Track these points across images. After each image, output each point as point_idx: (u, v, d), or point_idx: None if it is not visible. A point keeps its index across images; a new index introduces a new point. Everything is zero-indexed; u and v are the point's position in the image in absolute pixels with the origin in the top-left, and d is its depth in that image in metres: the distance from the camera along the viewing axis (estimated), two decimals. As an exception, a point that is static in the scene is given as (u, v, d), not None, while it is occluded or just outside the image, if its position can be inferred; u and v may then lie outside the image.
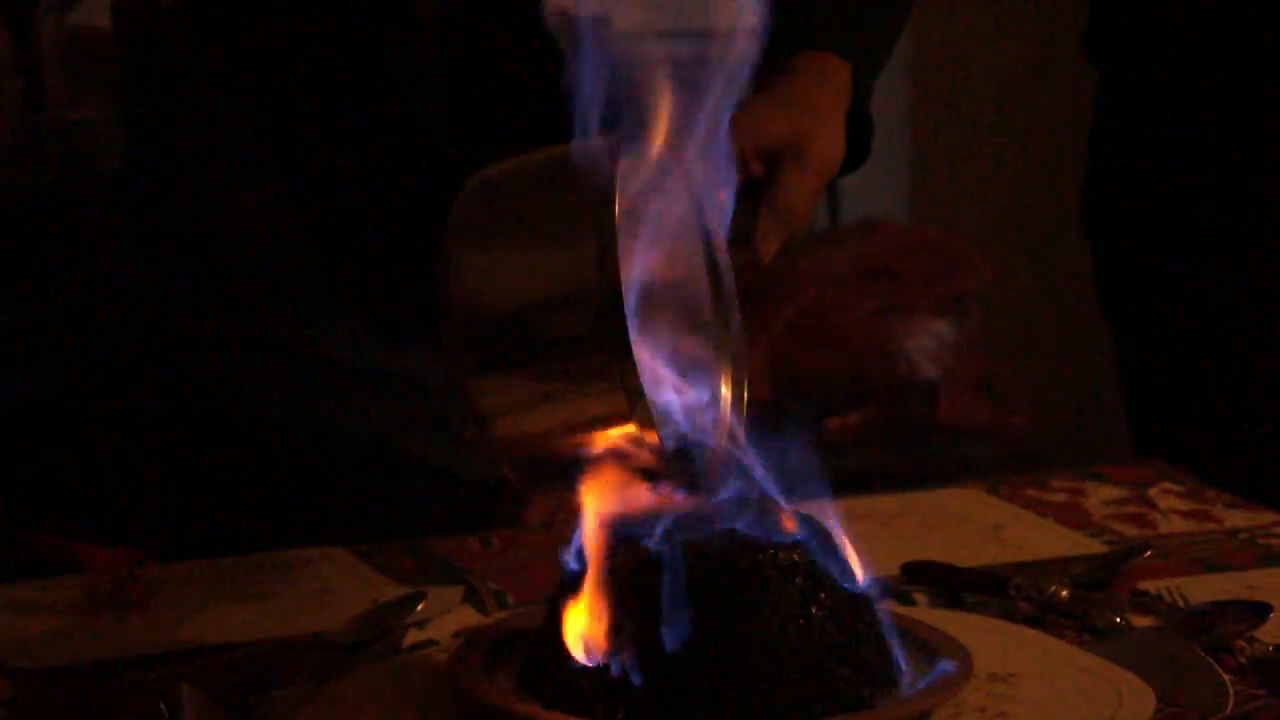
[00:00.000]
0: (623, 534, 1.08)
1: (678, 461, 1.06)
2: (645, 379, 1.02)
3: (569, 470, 1.06)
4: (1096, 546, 1.39)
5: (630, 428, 1.02)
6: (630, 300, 1.02)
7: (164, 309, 1.69)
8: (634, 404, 1.01)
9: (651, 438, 1.03)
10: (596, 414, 1.03)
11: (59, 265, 1.76)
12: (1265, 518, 1.45)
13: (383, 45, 1.71)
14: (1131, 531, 1.43)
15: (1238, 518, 1.46)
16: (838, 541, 1.10)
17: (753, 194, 1.26)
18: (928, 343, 2.68)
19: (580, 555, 1.08)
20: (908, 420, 2.68)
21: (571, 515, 1.10)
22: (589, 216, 1.02)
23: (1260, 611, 1.19)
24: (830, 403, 2.58)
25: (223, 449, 1.67)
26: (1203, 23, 1.91)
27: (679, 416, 1.08)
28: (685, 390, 1.09)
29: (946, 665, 1.09)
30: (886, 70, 1.44)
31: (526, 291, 1.05)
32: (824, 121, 1.31)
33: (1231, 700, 1.08)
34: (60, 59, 2.63)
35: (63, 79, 2.63)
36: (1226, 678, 1.10)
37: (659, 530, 1.07)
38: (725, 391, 1.12)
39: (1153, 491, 1.52)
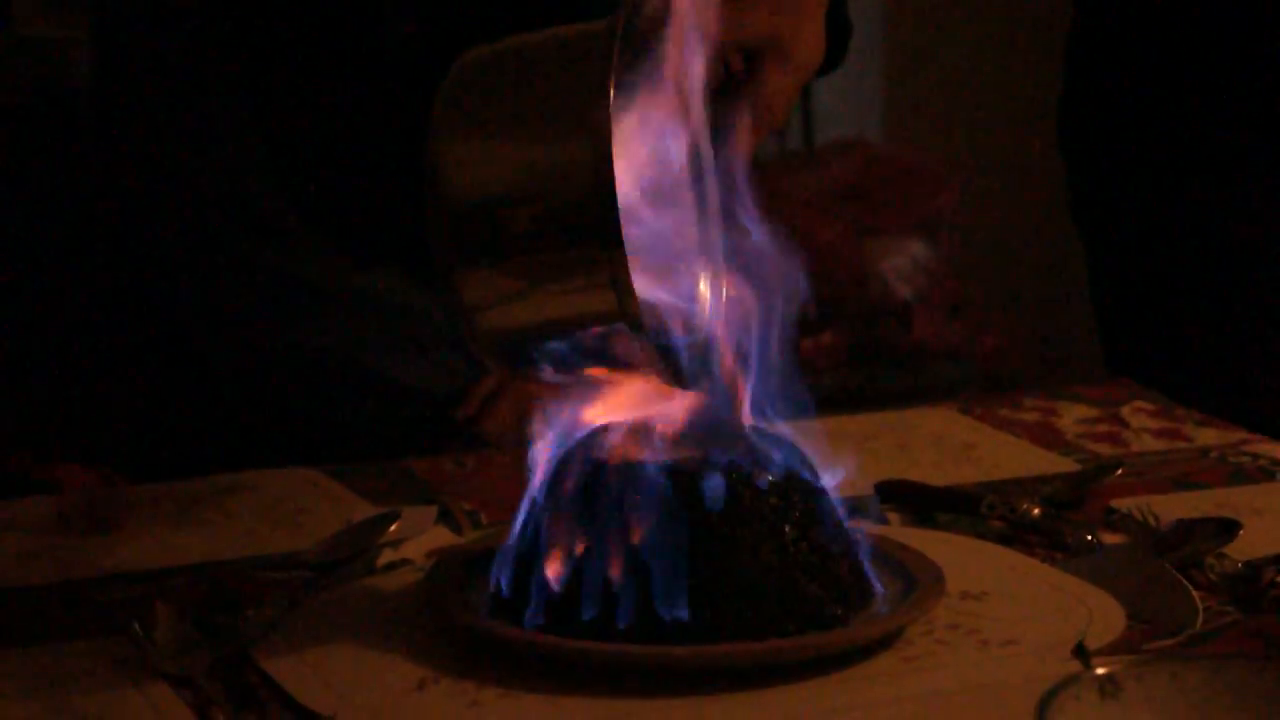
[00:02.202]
0: (595, 451, 1.08)
1: (665, 357, 1.05)
2: (633, 275, 1.00)
3: (553, 365, 1.06)
4: (1068, 465, 1.40)
5: (616, 324, 1.01)
6: (621, 195, 1.00)
7: (134, 230, 1.68)
8: (623, 299, 1.00)
9: (638, 334, 1.01)
10: (582, 308, 1.02)
11: (27, 183, 1.76)
12: (1235, 435, 1.46)
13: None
14: (1103, 450, 1.44)
15: (1208, 436, 1.46)
16: (811, 461, 1.10)
17: (731, 90, 1.24)
18: (901, 264, 2.68)
19: (552, 473, 1.08)
20: (881, 341, 2.69)
21: (532, 427, 1.10)
22: (580, 104, 1.00)
23: (1230, 529, 1.19)
24: (805, 323, 2.58)
25: (195, 369, 1.67)
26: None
27: (666, 312, 1.07)
28: (671, 287, 1.08)
29: (919, 583, 1.10)
30: (863, 3, 1.44)
31: (512, 180, 1.02)
32: (806, 18, 1.30)
33: (1201, 616, 1.09)
34: (28, -24, 2.60)
35: (31, -4, 2.60)
36: (1196, 594, 1.11)
37: (633, 448, 1.07)
38: (705, 289, 1.11)
39: (1124, 410, 1.53)
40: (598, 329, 1.02)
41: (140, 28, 1.71)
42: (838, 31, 1.37)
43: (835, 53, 1.37)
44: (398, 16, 1.63)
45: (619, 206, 0.99)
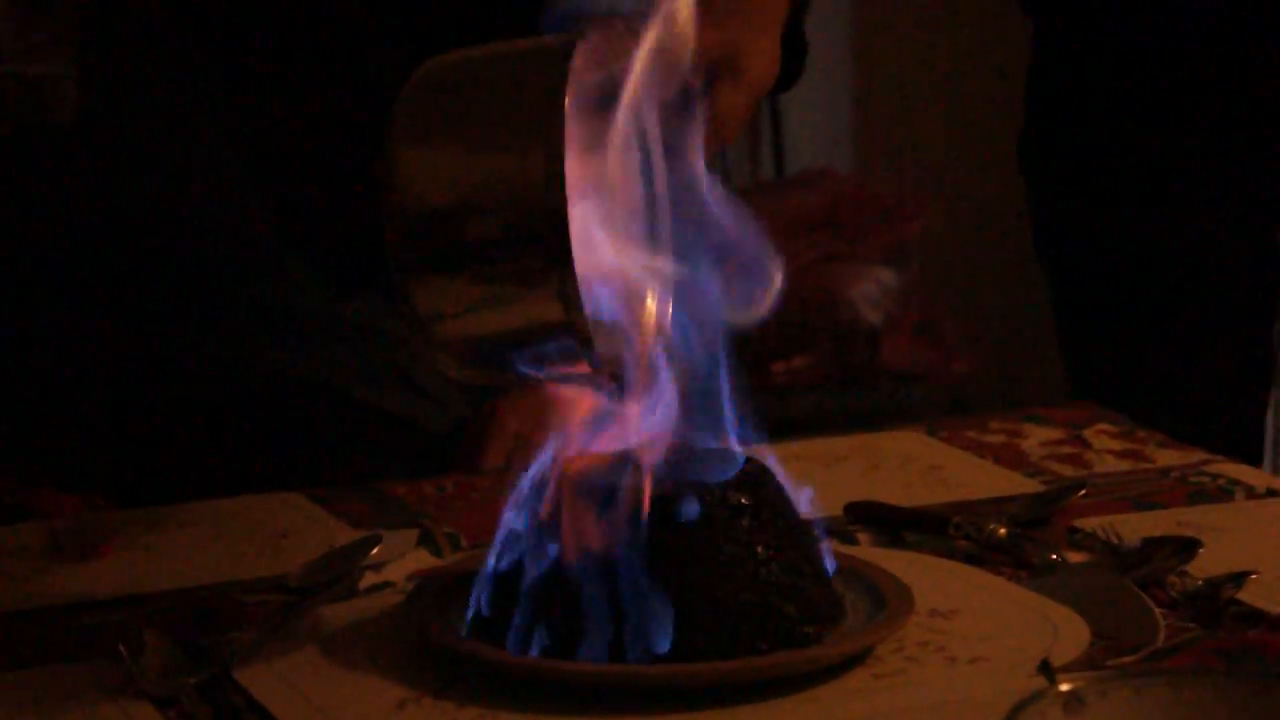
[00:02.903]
0: (572, 475, 1.08)
1: (609, 368, 1.04)
2: (582, 288, 1.00)
3: (508, 377, 1.05)
4: (1033, 486, 1.40)
5: (565, 337, 1.01)
6: (573, 208, 1.00)
7: (120, 262, 1.68)
8: (570, 312, 1.00)
9: (586, 347, 1.01)
10: (531, 319, 1.01)
11: (15, 217, 1.75)
12: (1195, 457, 1.46)
13: (335, 10, 1.70)
14: (1067, 471, 1.44)
15: (1169, 457, 1.46)
16: (783, 483, 1.10)
17: (684, 106, 1.24)
18: (870, 289, 2.68)
19: (529, 497, 1.08)
20: (851, 364, 2.69)
21: (526, 460, 1.10)
22: (535, 117, 1.00)
23: (1190, 547, 1.19)
24: (776, 348, 2.59)
25: (182, 396, 1.67)
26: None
27: (614, 328, 1.06)
28: (619, 302, 1.08)
29: (889, 602, 1.10)
30: (830, 30, 1.44)
31: (466, 190, 1.01)
32: (760, 35, 1.30)
33: (1163, 633, 1.09)
34: (15, 13, 2.60)
35: (17, 33, 2.60)
36: (1158, 611, 1.11)
37: (611, 472, 1.07)
38: (652, 305, 1.10)
39: (1087, 432, 1.53)
40: (546, 338, 1.02)
41: (126, 65, 1.71)
42: (795, 50, 1.36)
43: (792, 71, 1.37)
44: (380, 61, 1.63)
45: (569, 220, 0.99)
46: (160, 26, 1.69)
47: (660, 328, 1.09)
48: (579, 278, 0.99)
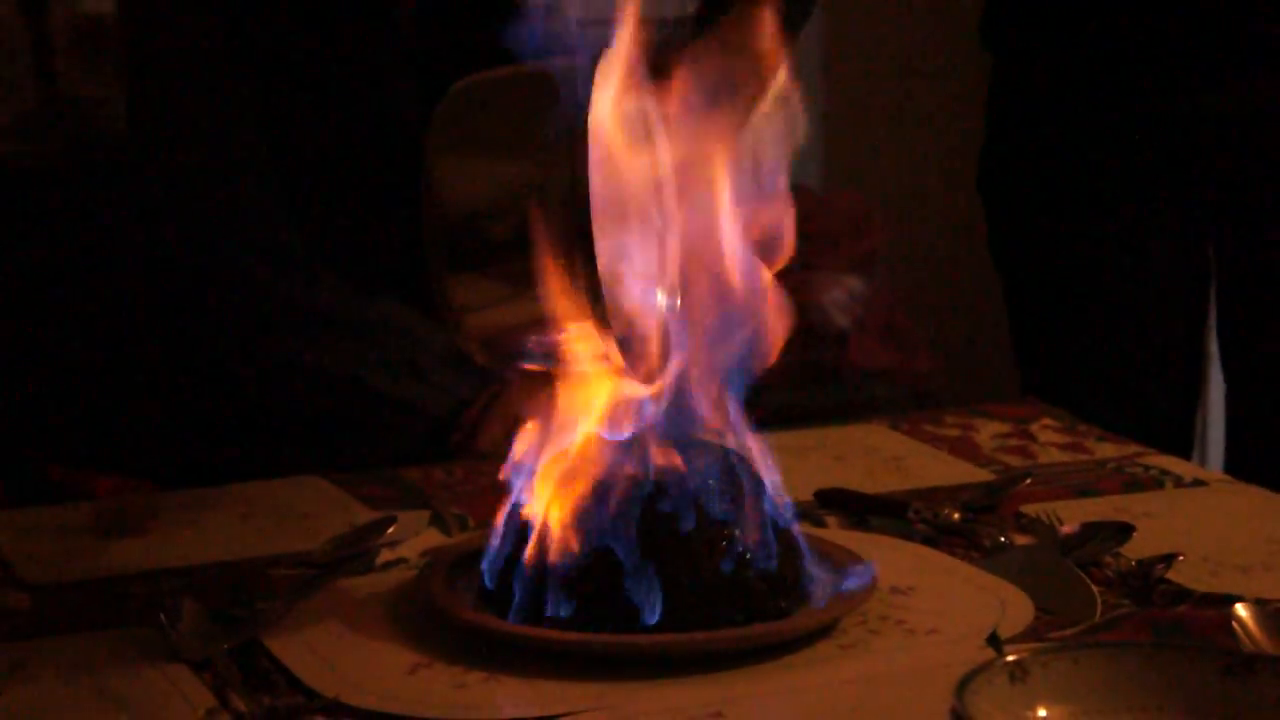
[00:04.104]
0: (570, 461, 1.08)
1: (630, 358, 1.05)
2: (603, 281, 1.00)
3: (535, 362, 1.05)
4: (984, 475, 1.40)
5: (588, 325, 1.01)
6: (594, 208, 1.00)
7: (164, 265, 1.68)
8: (593, 302, 1.00)
9: (607, 335, 1.01)
10: (557, 309, 1.01)
11: (68, 223, 1.75)
12: (1130, 449, 1.46)
13: (365, 33, 1.70)
14: (1015, 462, 1.44)
15: (1107, 449, 1.47)
16: (758, 470, 1.10)
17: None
18: (839, 296, 2.68)
19: (530, 482, 1.08)
20: (821, 364, 2.68)
21: (520, 443, 1.10)
22: (557, 129, 1.00)
23: (1125, 531, 1.20)
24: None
25: (217, 388, 1.67)
26: (1082, 18, 1.92)
27: (632, 316, 1.06)
28: (637, 292, 1.07)
29: (853, 579, 1.10)
30: (802, 62, 1.43)
31: (496, 194, 1.03)
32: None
33: (1099, 609, 1.09)
34: (70, 41, 2.60)
35: (72, 59, 2.60)
36: (1095, 589, 1.11)
37: (604, 458, 1.07)
38: (664, 297, 1.10)
39: (1034, 427, 1.53)
40: (571, 327, 1.02)
41: (171, 88, 1.71)
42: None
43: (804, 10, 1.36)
44: (404, 84, 1.63)
45: (592, 222, 0.99)
46: (202, 53, 1.69)
47: (669, 317, 1.08)
48: (601, 275, 1.00)
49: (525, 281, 1.01)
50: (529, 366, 1.07)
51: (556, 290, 1.00)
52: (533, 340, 1.04)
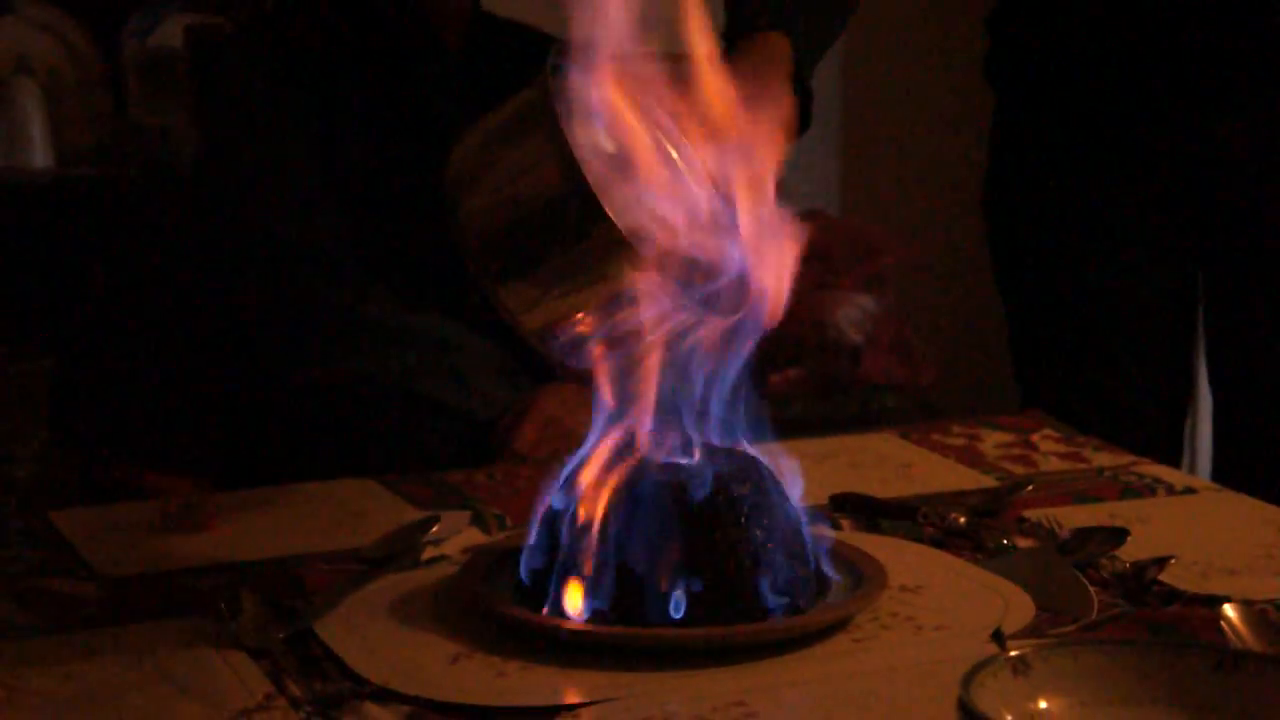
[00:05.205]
0: (602, 465, 1.07)
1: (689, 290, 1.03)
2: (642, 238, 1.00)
3: (590, 343, 1.05)
4: (989, 481, 1.39)
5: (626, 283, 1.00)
6: (596, 180, 1.00)
7: (229, 281, 1.68)
8: (630, 261, 1.00)
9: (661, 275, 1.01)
10: (606, 291, 1.02)
11: (139, 241, 1.76)
12: (1125, 459, 1.45)
13: (415, 64, 1.70)
14: (1017, 469, 1.43)
15: (1104, 458, 1.46)
16: (778, 475, 1.10)
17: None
18: (852, 313, 2.68)
19: (566, 486, 1.08)
20: (835, 377, 2.68)
21: (553, 447, 1.10)
22: (544, 143, 1.02)
23: (1120, 535, 1.19)
24: (772, 361, 2.59)
25: (275, 395, 1.67)
26: (1076, 60, 1.92)
27: (686, 264, 1.05)
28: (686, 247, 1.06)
29: (866, 578, 1.09)
30: (820, 97, 1.42)
31: (512, 212, 1.04)
32: (769, 84, 1.29)
33: (1096, 608, 1.09)
34: (141, 74, 2.61)
35: (143, 91, 2.61)
36: (1092, 589, 1.11)
37: (634, 463, 1.07)
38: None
39: (1035, 437, 1.52)
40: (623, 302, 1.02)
41: (235, 118, 1.71)
42: (802, 101, 1.36)
43: (802, 118, 1.35)
44: (453, 111, 1.63)
45: (599, 203, 0.99)
46: (265, 85, 1.70)
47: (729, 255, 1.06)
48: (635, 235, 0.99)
49: (560, 275, 1.02)
50: (587, 349, 1.06)
51: (597, 278, 1.00)
52: (583, 322, 1.04)
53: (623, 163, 1.05)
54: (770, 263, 1.06)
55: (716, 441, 1.09)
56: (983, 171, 2.06)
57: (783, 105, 1.28)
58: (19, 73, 2.65)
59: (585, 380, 1.08)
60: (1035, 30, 1.96)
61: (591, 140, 1.05)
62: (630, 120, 1.05)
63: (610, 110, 1.04)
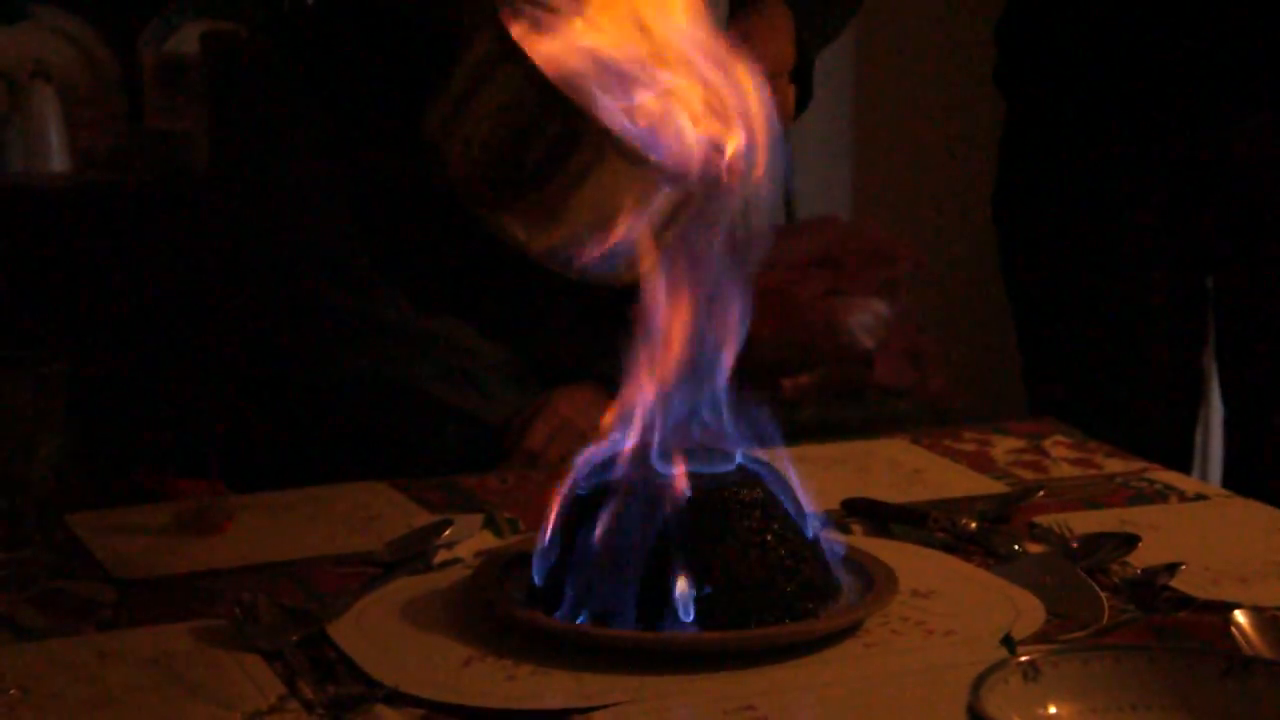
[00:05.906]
0: (613, 471, 1.08)
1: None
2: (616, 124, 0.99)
3: (605, 259, 1.04)
4: (1000, 487, 1.39)
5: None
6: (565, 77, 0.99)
7: (243, 285, 1.69)
8: (631, 155, 0.99)
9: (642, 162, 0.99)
10: (617, 199, 1.01)
11: (156, 246, 1.76)
12: (1136, 465, 1.45)
13: (428, 69, 1.70)
14: (1028, 475, 1.43)
15: (1114, 464, 1.46)
16: (789, 480, 1.10)
17: None
18: (865, 318, 2.68)
19: (577, 488, 1.08)
20: (848, 382, 2.68)
21: (565, 448, 1.10)
22: (496, 59, 1.02)
23: (1131, 541, 1.19)
24: (786, 367, 2.58)
25: (289, 398, 1.67)
26: (1084, 68, 1.92)
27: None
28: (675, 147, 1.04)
29: (876, 583, 1.09)
30: (835, 100, 1.43)
31: (501, 139, 1.04)
32: (767, 27, 1.28)
33: (1106, 614, 1.09)
34: (157, 80, 2.62)
35: (159, 96, 2.62)
36: (1103, 595, 1.10)
37: (645, 469, 1.07)
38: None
39: (1046, 443, 1.52)
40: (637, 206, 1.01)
41: (247, 121, 1.72)
42: (805, 79, 1.35)
43: (804, 97, 1.34)
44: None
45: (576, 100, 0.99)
46: (279, 90, 1.70)
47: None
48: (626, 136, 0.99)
49: (559, 190, 1.02)
50: (601, 259, 1.05)
51: (599, 178, 0.99)
52: (594, 235, 1.03)
53: (592, 68, 1.04)
54: (748, 124, 1.04)
55: (729, 446, 1.09)
56: (993, 179, 2.07)
57: (784, 56, 1.26)
58: (36, 78, 2.66)
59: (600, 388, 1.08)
60: (1044, 38, 1.96)
61: (554, 54, 1.04)
62: (591, 31, 1.04)
63: (569, 28, 1.04)
